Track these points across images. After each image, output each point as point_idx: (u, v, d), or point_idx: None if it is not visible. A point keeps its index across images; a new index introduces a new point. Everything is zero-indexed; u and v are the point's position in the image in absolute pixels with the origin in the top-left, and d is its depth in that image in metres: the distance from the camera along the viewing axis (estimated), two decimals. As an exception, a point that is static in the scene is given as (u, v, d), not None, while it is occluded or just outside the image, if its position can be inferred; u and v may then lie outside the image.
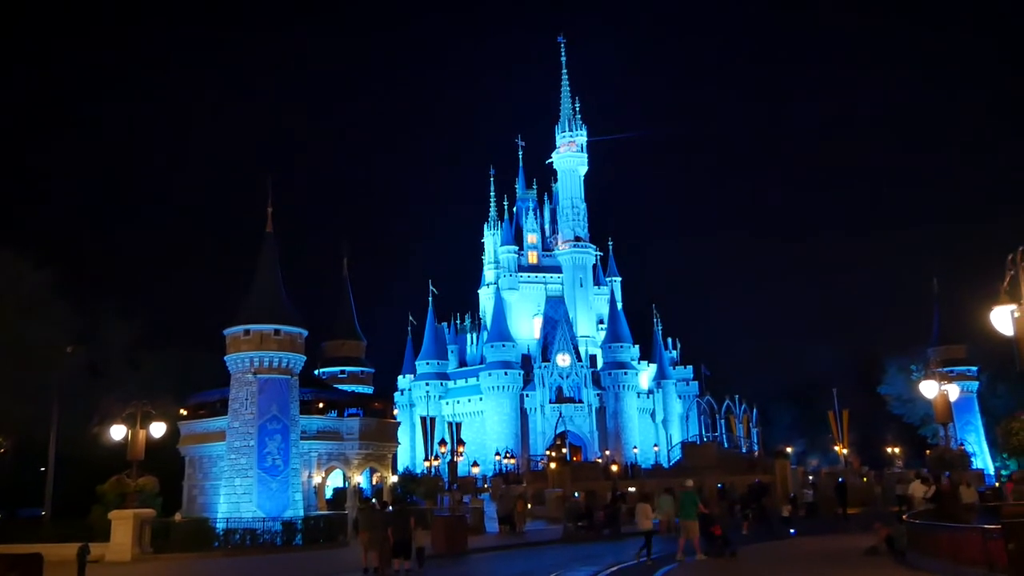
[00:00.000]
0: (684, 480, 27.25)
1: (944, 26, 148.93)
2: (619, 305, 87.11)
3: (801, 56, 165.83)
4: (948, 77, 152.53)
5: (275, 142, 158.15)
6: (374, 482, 43.80)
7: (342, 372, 59.24)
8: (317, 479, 39.37)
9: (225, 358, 36.20)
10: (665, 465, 69.23)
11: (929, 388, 24.34)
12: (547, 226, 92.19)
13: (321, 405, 41.03)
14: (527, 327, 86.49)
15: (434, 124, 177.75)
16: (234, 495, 34.00)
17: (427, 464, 52.30)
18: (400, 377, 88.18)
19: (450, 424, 63.84)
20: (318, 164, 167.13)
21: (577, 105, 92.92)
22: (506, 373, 79.80)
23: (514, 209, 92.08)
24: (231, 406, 35.43)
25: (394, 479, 43.85)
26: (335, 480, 43.84)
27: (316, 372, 55.32)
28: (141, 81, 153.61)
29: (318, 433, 39.72)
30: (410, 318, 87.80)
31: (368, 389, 58.48)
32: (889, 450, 64.75)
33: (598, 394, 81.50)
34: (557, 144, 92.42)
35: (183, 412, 41.65)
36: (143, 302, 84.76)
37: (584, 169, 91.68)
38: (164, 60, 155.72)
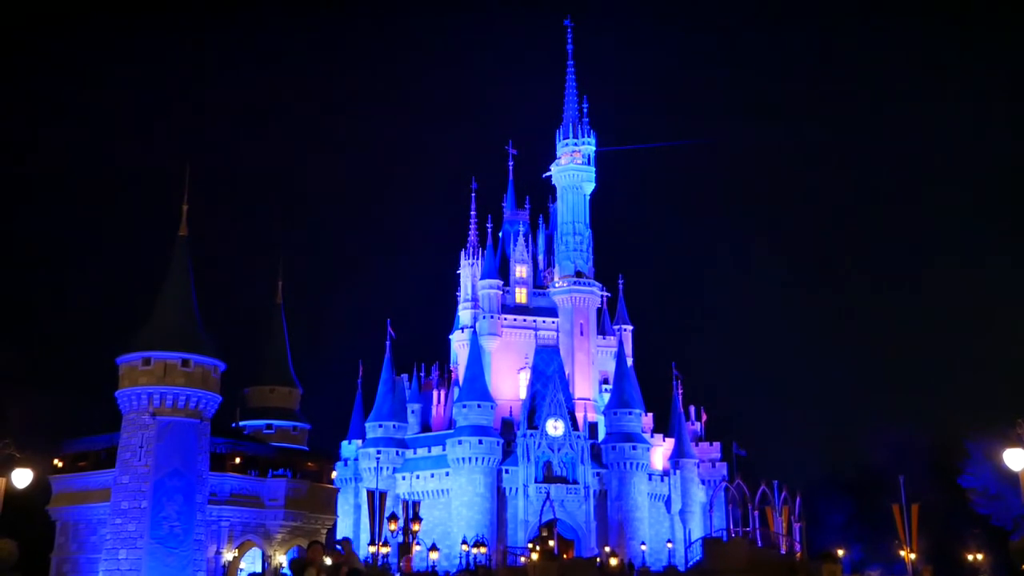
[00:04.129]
0: None
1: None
2: (629, 361, 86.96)
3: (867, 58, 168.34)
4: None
5: (190, 137, 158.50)
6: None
7: (268, 427, 58.53)
8: (228, 556, 38.79)
9: (116, 393, 35.86)
10: (681, 568, 68.56)
11: (1016, 459, 23.67)
12: (541, 257, 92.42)
13: (238, 461, 40.63)
14: (510, 384, 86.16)
15: (399, 121, 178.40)
16: (117, 571, 33.37)
17: (372, 550, 51.64)
18: (344, 443, 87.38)
19: (405, 503, 63.17)
20: (244, 162, 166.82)
21: (585, 106, 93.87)
22: (480, 442, 79.18)
23: (499, 234, 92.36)
24: (121, 456, 35.13)
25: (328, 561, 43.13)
26: (252, 563, 43.26)
27: (235, 424, 54.85)
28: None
29: (232, 497, 39.26)
30: (360, 368, 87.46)
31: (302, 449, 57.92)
32: (971, 557, 64.25)
33: (598, 473, 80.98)
34: (558, 154, 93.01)
35: (57, 463, 41.12)
36: (9, 324, 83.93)
37: (591, 187, 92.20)
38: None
